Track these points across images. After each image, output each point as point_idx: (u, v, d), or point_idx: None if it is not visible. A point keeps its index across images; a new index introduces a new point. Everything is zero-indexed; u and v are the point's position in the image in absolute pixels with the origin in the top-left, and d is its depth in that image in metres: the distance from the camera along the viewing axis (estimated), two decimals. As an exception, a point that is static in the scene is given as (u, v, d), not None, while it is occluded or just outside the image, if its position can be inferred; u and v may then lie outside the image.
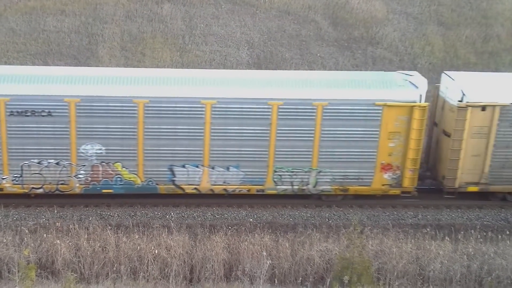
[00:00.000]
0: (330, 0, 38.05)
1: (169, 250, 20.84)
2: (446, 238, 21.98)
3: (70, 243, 20.94)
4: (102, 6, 36.24)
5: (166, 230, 21.85)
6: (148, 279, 20.32)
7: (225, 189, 24.07)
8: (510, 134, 23.98)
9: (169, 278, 20.23)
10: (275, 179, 23.99)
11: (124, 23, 35.63)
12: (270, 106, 23.05)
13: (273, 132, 23.31)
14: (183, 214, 24.02)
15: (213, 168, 23.68)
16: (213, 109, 22.96)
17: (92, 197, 24.18)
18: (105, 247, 20.93)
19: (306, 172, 23.91)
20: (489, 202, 25.27)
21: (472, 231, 22.70)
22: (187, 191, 23.99)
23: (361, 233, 20.31)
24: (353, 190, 24.31)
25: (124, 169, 23.53)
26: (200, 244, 21.23)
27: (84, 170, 23.44)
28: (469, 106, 23.53)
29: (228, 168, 23.74)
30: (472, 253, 21.40)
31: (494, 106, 23.58)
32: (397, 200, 25.08)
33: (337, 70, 33.48)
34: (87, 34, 34.74)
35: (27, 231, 21.51)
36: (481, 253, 21.38)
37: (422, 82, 23.68)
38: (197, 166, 23.63)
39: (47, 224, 22.45)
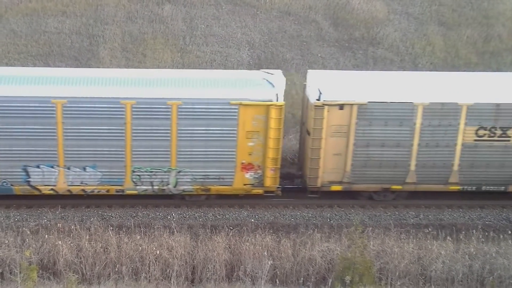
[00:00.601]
0: (331, 0, 38.02)
1: (171, 251, 20.86)
2: (448, 238, 21.99)
3: (71, 244, 20.97)
4: (103, 7, 36.24)
5: (168, 230, 21.87)
6: (149, 280, 20.34)
7: (83, 190, 23.71)
8: (369, 133, 23.65)
9: (170, 279, 20.24)
10: (134, 179, 23.64)
11: (125, 24, 35.64)
12: (123, 106, 22.64)
13: (128, 132, 22.92)
14: (184, 214, 24.01)
15: (69, 168, 23.29)
16: (64, 108, 22.52)
17: (93, 198, 24.20)
18: (106, 248, 20.95)
19: (165, 172, 23.58)
20: (490, 202, 25.25)
21: (474, 231, 22.68)
22: (43, 192, 23.59)
23: (363, 233, 20.30)
24: (215, 190, 24.01)
25: None
26: (201, 245, 21.23)
27: None
28: (326, 104, 23.28)
29: (84, 169, 23.35)
30: (474, 253, 21.41)
31: (351, 105, 23.31)
32: (399, 200, 25.09)
33: (338, 70, 33.46)
34: (88, 35, 34.74)
35: (28, 232, 21.55)
36: (483, 253, 21.38)
37: (280, 81, 23.40)
38: (52, 167, 23.24)
39: (49, 225, 22.48)
